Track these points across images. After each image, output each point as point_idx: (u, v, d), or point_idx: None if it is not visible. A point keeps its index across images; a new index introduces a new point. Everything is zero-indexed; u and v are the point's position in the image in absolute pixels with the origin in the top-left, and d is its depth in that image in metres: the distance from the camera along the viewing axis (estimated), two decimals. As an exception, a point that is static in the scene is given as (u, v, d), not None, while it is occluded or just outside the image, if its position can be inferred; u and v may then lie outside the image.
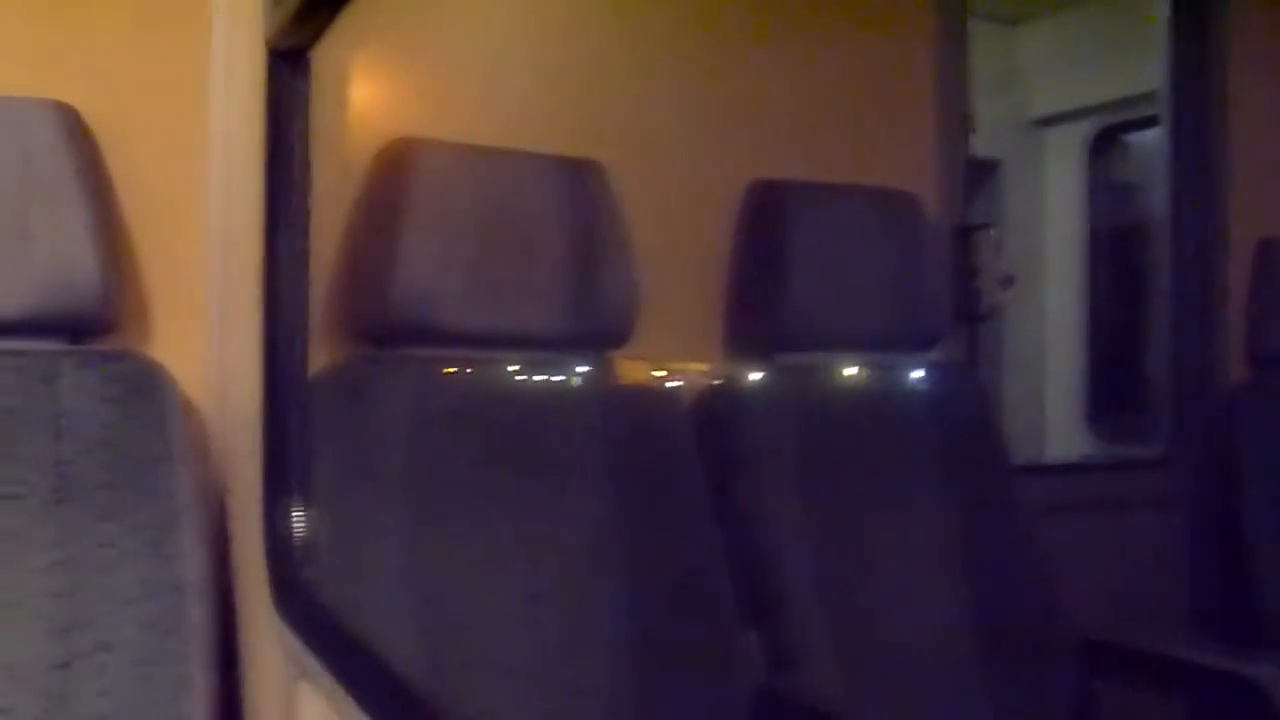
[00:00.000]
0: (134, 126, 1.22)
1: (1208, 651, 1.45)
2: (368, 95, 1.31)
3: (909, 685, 1.38)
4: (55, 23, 1.22)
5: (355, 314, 1.24)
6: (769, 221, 1.51)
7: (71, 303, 1.12)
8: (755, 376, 1.48)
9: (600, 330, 1.34)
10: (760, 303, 1.50)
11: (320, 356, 1.17)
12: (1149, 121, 2.31)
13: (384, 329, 1.22)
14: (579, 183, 1.33)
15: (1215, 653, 1.43)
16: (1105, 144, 2.89)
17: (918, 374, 1.62)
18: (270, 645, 1.01)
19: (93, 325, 1.15)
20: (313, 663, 0.87)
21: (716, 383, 1.47)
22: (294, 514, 1.00)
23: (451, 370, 1.23)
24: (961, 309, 1.71)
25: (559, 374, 1.32)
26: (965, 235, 1.74)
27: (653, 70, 1.52)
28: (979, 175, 2.62)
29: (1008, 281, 1.78)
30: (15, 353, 1.10)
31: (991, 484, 1.57)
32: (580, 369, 1.34)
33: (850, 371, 1.55)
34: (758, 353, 1.52)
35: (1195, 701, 1.49)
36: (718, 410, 1.44)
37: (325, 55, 1.05)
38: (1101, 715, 1.47)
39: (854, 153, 1.68)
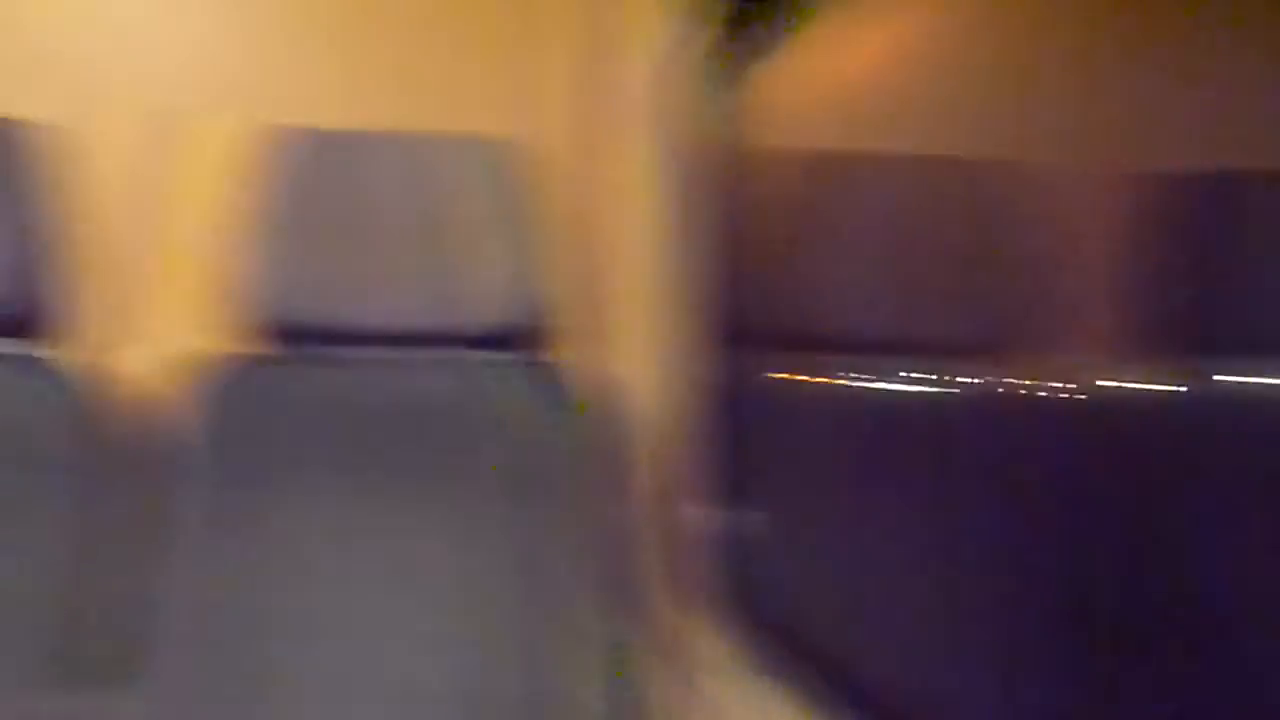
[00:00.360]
0: (564, 153, 1.31)
1: None
2: (788, 106, 1.33)
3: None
4: (492, 61, 1.34)
5: (780, 323, 1.26)
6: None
7: (522, 318, 1.20)
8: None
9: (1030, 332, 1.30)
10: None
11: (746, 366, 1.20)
12: None
13: (802, 339, 1.23)
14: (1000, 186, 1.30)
15: None
16: None
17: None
18: (701, 643, 1.04)
19: (528, 340, 1.22)
20: (771, 663, 0.89)
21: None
22: (744, 516, 1.02)
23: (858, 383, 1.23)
24: None
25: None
26: None
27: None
28: None
29: None
30: (483, 362, 1.19)
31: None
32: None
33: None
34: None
35: None
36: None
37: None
38: None
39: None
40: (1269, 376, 1.34)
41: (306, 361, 1.18)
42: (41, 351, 1.18)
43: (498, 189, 1.19)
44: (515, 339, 1.20)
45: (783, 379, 1.22)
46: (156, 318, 1.37)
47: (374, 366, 1.18)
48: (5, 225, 1.13)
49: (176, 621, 1.07)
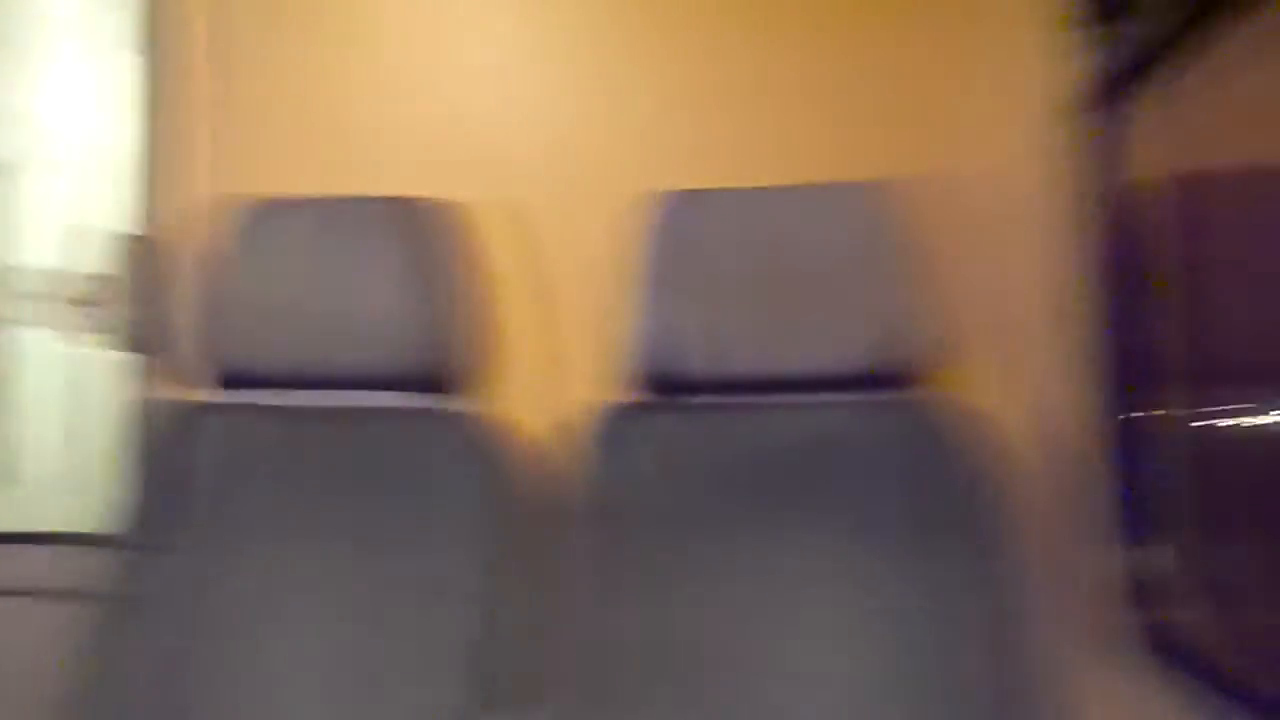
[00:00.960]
0: (951, 192, 1.34)
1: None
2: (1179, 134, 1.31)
3: None
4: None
5: (1179, 356, 1.23)
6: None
7: (897, 359, 1.19)
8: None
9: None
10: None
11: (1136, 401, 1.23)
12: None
13: (1204, 373, 1.21)
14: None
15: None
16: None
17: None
18: (1125, 689, 1.08)
19: (910, 377, 1.21)
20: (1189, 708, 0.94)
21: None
22: (1157, 554, 1.07)
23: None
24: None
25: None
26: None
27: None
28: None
29: None
30: (846, 403, 1.20)
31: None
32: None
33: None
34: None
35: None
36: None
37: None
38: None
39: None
40: None
41: (700, 410, 1.19)
42: (455, 405, 1.24)
43: (878, 232, 1.21)
44: (901, 378, 1.18)
45: (1179, 414, 1.20)
46: (559, 375, 1.43)
47: (765, 411, 1.20)
48: (422, 291, 1.22)
49: (568, 655, 1.12)
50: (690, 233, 1.22)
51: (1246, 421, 1.17)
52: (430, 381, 1.24)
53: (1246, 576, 1.10)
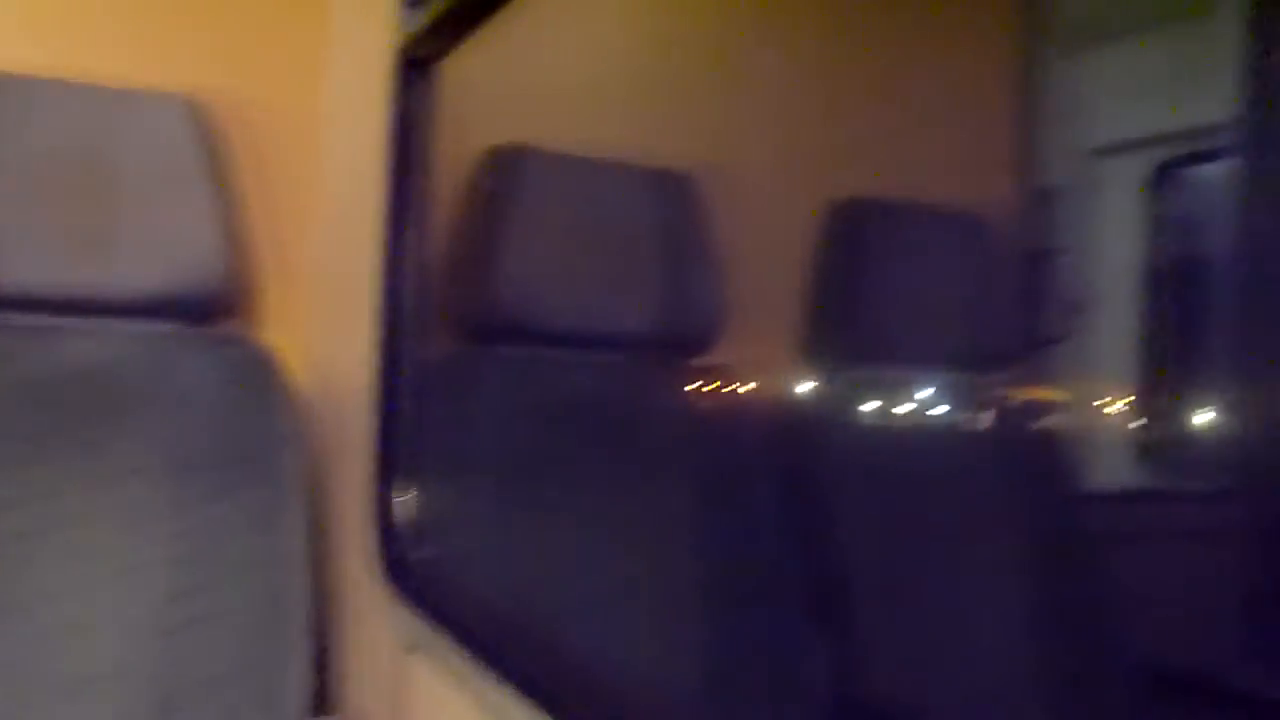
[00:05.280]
0: (256, 119, 1.28)
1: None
2: (483, 101, 1.36)
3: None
4: (180, 16, 1.29)
5: (459, 309, 1.29)
6: (853, 241, 1.55)
7: (192, 287, 1.17)
8: (831, 388, 1.52)
9: (687, 335, 1.38)
10: (839, 318, 1.54)
11: (428, 348, 1.22)
12: (1210, 155, 2.32)
13: (487, 326, 1.26)
14: (673, 193, 1.37)
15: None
16: (1167, 176, 2.90)
17: (982, 395, 1.65)
18: (376, 621, 1.06)
19: (211, 309, 1.20)
20: (429, 637, 0.92)
21: (799, 392, 1.51)
22: (407, 497, 1.04)
23: (549, 369, 1.27)
24: (1034, 333, 1.73)
25: (646, 375, 1.36)
26: (1039, 261, 1.77)
27: (749, 84, 1.57)
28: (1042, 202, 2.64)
29: (1078, 308, 1.80)
30: (140, 334, 1.16)
31: (1054, 511, 1.59)
32: (664, 371, 1.38)
33: (923, 390, 1.58)
34: (839, 365, 1.55)
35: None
36: (803, 420, 1.47)
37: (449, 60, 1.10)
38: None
39: (933, 176, 1.71)
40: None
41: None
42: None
43: (181, 147, 1.16)
44: (198, 310, 1.18)
45: (466, 363, 1.23)
46: None
47: (33, 333, 1.13)
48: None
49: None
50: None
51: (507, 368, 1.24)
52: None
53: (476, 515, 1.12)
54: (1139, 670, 1.50)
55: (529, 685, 0.75)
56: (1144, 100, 2.83)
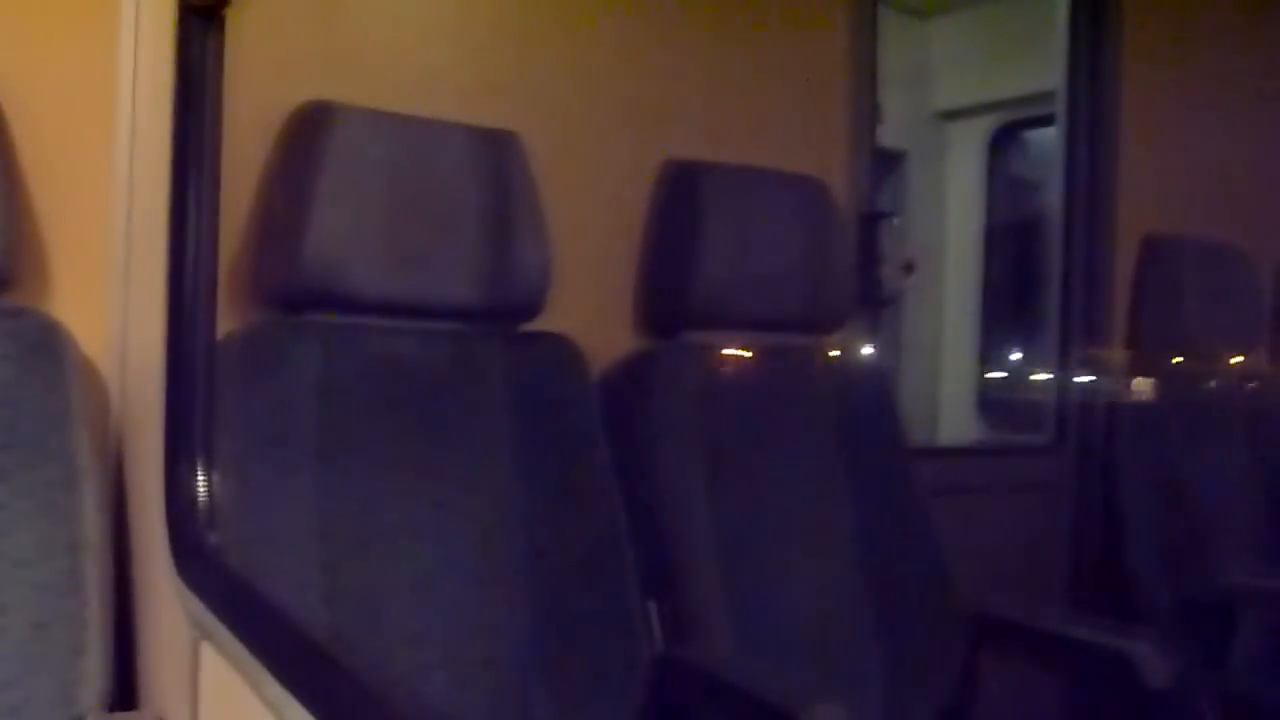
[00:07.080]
0: (36, 81, 1.18)
1: (1085, 626, 1.52)
2: (283, 56, 1.29)
3: (805, 652, 1.43)
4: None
5: (264, 278, 1.23)
6: (681, 201, 1.53)
7: None
8: (664, 353, 1.51)
9: (512, 302, 1.34)
10: (671, 280, 1.52)
11: (227, 320, 1.15)
12: (1047, 119, 2.39)
13: (293, 294, 1.20)
14: (494, 153, 1.33)
15: (1092, 628, 1.50)
16: (1005, 139, 2.98)
17: (821, 355, 1.66)
18: (170, 608, 1.00)
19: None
20: (216, 626, 0.87)
21: (626, 358, 1.49)
22: (197, 478, 0.98)
23: (360, 337, 1.23)
24: (865, 294, 1.75)
25: (470, 344, 1.32)
26: (870, 222, 1.79)
27: (570, 44, 1.53)
28: (884, 165, 2.68)
29: (909, 269, 1.83)
30: None
31: (889, 463, 1.62)
32: (490, 340, 1.34)
33: (756, 351, 1.58)
34: (667, 329, 1.54)
35: (1073, 673, 1.57)
36: (626, 385, 1.46)
37: (240, 13, 1.03)
38: (984, 684, 1.53)
39: (764, 139, 1.71)
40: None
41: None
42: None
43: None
44: None
45: (267, 336, 1.18)
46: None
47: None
48: None
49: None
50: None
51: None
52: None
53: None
54: (962, 615, 1.55)
55: (304, 688, 0.71)
56: (983, 67, 2.91)
